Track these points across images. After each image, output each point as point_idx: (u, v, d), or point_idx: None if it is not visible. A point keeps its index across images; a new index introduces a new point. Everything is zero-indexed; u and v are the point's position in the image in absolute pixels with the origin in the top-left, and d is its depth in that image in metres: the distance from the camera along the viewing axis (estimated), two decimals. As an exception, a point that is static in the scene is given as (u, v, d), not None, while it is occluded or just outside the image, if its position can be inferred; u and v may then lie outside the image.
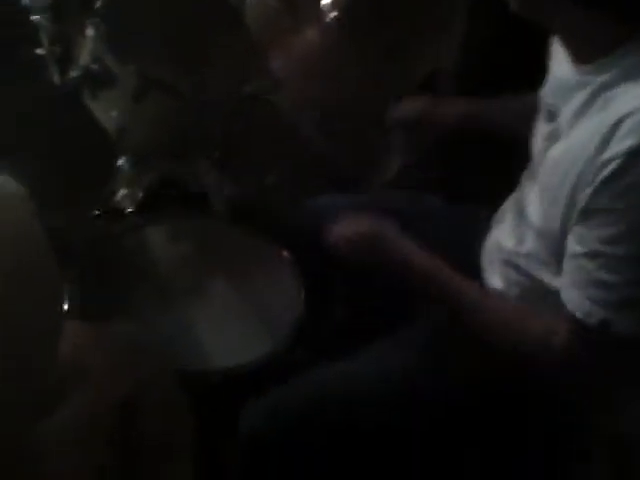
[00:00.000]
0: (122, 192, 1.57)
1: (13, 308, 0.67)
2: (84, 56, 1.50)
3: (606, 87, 1.03)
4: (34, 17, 1.48)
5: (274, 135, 1.70)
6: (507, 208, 1.29)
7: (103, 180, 1.45)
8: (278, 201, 1.63)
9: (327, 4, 1.67)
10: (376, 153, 1.60)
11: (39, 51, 1.51)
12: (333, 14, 1.66)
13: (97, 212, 1.48)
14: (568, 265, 1.05)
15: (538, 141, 1.19)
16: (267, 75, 1.63)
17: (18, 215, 0.71)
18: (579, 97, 1.06)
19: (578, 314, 1.02)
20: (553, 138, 1.12)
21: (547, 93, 1.19)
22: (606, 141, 0.98)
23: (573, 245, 1.03)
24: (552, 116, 1.14)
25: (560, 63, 1.14)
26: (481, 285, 1.23)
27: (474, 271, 1.27)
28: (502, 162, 1.46)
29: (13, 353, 0.68)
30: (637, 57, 1.01)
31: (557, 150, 1.09)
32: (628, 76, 1.01)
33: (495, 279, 1.24)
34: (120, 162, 1.54)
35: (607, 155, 0.98)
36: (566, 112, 1.09)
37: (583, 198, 1.01)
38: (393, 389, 1.21)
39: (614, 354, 1.04)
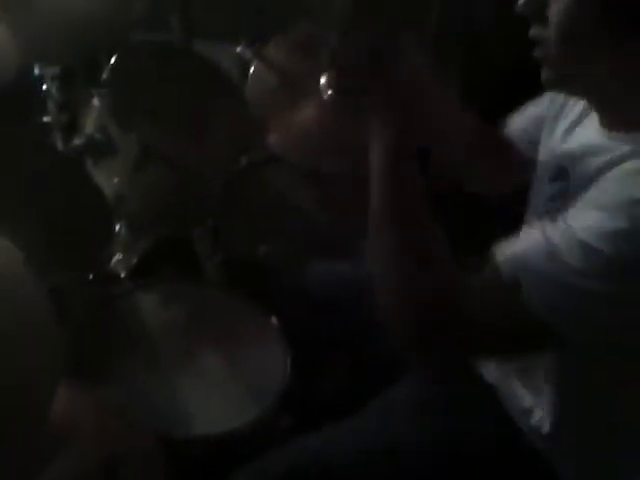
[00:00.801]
0: (117, 257, 1.61)
1: (17, 364, 0.71)
2: (89, 125, 1.55)
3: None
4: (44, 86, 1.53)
5: (268, 206, 1.75)
6: None
7: (101, 244, 1.47)
8: (271, 269, 1.67)
9: (324, 82, 1.73)
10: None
11: (46, 119, 1.56)
12: (330, 92, 1.71)
13: (92, 276, 1.51)
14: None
15: (539, 201, 1.15)
16: (264, 149, 1.68)
17: (17, 277, 0.75)
18: (599, 159, 1.01)
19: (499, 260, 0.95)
20: (563, 199, 1.06)
21: (554, 151, 1.15)
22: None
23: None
24: (561, 176, 1.09)
25: (584, 125, 1.10)
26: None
27: None
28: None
29: (15, 405, 0.71)
30: None
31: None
32: None
33: None
34: (117, 228, 1.58)
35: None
36: (580, 173, 1.04)
37: None
38: (377, 460, 1.21)
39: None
